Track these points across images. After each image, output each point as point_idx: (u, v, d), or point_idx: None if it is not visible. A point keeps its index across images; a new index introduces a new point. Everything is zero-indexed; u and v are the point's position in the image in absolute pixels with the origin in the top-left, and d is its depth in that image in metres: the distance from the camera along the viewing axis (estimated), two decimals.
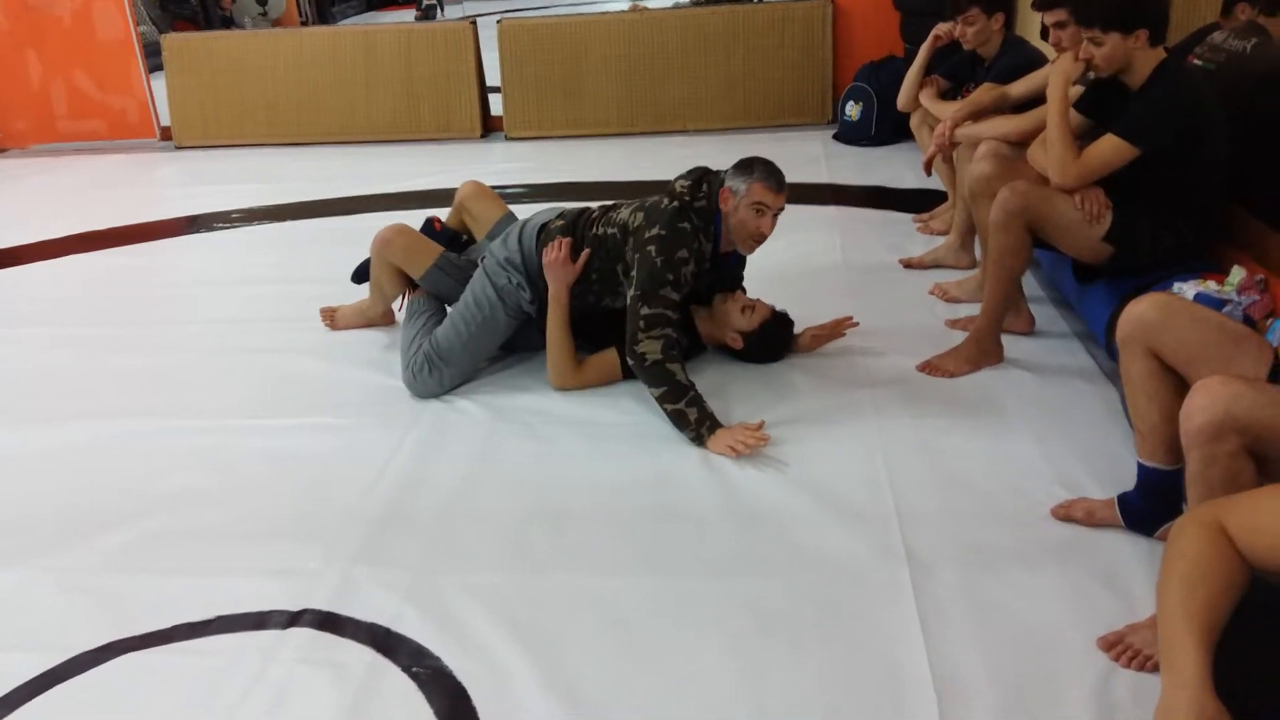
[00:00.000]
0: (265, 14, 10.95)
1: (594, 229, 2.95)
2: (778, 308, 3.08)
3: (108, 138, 6.63)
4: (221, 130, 6.49)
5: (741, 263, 3.16)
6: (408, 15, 11.49)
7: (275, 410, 2.96)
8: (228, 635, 2.04)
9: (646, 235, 2.79)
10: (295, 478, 2.63)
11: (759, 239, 2.90)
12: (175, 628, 2.06)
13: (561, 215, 3.04)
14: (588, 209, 3.05)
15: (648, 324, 2.72)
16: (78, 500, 2.56)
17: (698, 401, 2.67)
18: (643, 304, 2.74)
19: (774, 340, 3.07)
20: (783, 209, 2.87)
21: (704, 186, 2.89)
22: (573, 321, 2.95)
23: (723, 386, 2.96)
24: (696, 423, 2.64)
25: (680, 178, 2.94)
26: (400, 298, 3.34)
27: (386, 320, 3.48)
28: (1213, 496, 1.66)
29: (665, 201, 2.86)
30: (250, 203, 5.19)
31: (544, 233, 2.98)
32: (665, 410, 2.70)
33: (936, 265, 3.74)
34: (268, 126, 6.45)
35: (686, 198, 2.85)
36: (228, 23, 10.68)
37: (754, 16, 6.18)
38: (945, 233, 3.93)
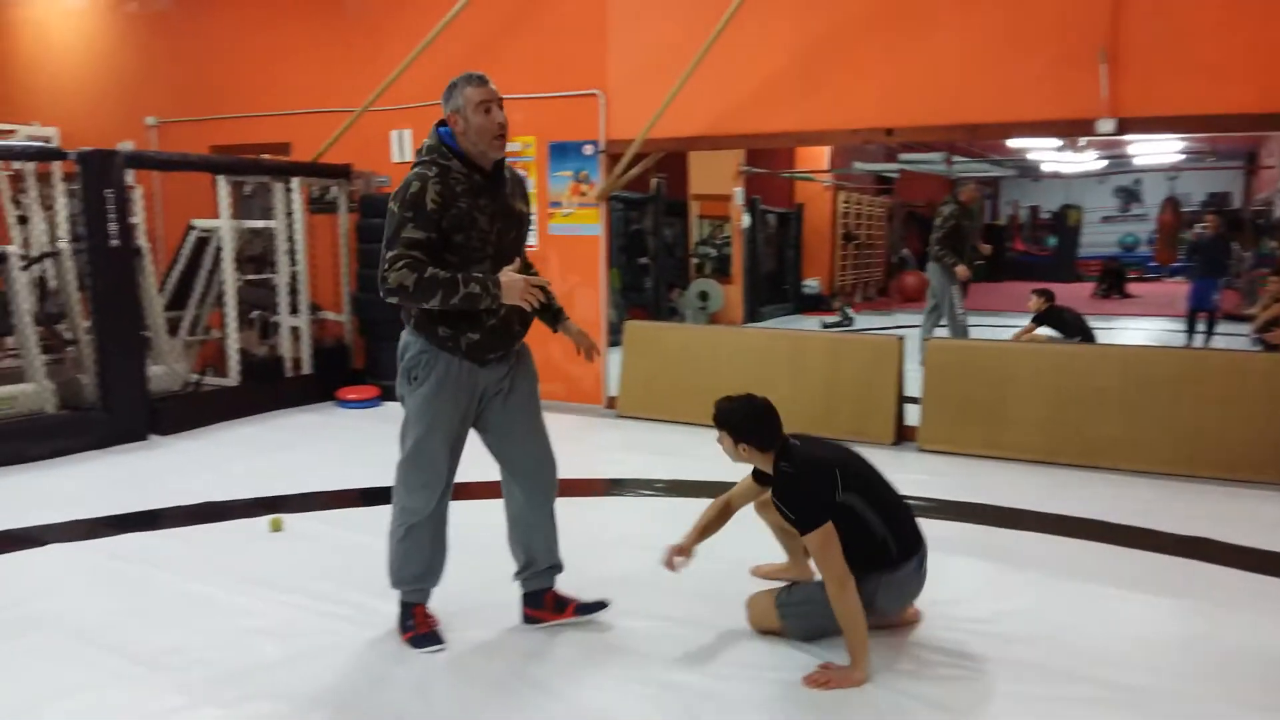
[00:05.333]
0: (705, 308, 12.21)
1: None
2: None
3: (565, 400, 7.61)
4: (656, 405, 7.18)
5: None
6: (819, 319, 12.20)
7: None
8: None
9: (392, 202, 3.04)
10: None
11: (499, 134, 3.05)
12: None
13: None
14: None
15: (390, 263, 2.95)
16: None
17: (471, 278, 2.96)
18: (385, 249, 2.99)
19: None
20: (501, 100, 3.06)
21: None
22: None
23: None
24: (484, 290, 2.97)
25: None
26: None
27: (804, 574, 3.71)
28: None
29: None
30: (671, 474, 5.61)
31: None
32: (456, 304, 2.95)
33: None
34: (701, 408, 7.00)
35: (426, 157, 3.10)
36: (672, 312, 12.05)
37: (1208, 362, 5.85)
38: None
